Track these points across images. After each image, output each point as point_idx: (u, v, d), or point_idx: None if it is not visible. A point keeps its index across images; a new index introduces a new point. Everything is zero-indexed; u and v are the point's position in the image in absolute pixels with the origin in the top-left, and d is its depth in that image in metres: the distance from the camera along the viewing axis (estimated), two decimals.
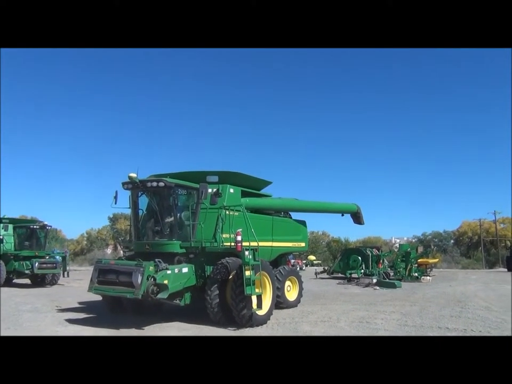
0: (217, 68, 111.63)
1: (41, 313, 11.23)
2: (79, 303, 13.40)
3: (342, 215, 16.37)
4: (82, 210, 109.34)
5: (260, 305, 9.28)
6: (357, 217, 16.64)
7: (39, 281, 20.79)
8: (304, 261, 45.01)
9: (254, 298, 9.15)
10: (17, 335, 5.11)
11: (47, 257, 21.09)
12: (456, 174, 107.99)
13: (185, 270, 9.56)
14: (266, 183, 12.88)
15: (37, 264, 19.50)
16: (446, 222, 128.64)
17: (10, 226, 20.49)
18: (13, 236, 20.53)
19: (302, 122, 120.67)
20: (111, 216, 66.44)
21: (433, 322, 9.74)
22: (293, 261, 34.05)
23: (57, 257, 22.22)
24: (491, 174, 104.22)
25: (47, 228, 21.76)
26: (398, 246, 34.15)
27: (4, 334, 8.23)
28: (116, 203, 10.45)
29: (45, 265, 20.12)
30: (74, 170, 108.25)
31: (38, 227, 21.37)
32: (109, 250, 65.87)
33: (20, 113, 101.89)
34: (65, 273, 21.43)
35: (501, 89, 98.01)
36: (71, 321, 9.79)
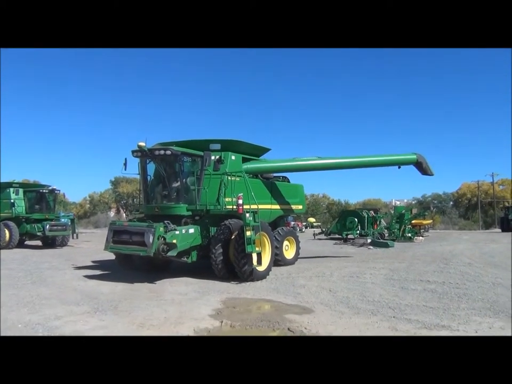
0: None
1: (60, 270, 12.24)
2: (92, 261, 14.42)
3: (399, 167, 15.76)
4: (84, 173, 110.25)
5: (259, 262, 10.23)
6: (421, 168, 15.61)
7: (49, 242, 21.84)
8: (304, 223, 46.05)
9: (254, 256, 10.05)
10: (17, 335, 5.60)
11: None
12: (457, 135, 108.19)
13: (191, 230, 10.47)
14: (265, 150, 13.61)
15: (48, 226, 20.49)
16: (446, 183, 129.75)
17: (21, 191, 21.31)
18: (24, 199, 21.41)
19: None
20: (113, 179, 67.01)
21: (416, 276, 10.72)
22: (292, 223, 35.06)
23: (65, 219, 23.11)
24: (491, 135, 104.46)
25: (56, 192, 22.69)
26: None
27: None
28: (125, 169, 11.24)
29: (55, 227, 21.10)
30: (76, 133, 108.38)
31: (47, 191, 22.26)
32: (112, 213, 66.95)
33: (19, 73, 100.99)
34: (74, 235, 22.37)
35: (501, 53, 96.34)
36: (89, 277, 10.78)
